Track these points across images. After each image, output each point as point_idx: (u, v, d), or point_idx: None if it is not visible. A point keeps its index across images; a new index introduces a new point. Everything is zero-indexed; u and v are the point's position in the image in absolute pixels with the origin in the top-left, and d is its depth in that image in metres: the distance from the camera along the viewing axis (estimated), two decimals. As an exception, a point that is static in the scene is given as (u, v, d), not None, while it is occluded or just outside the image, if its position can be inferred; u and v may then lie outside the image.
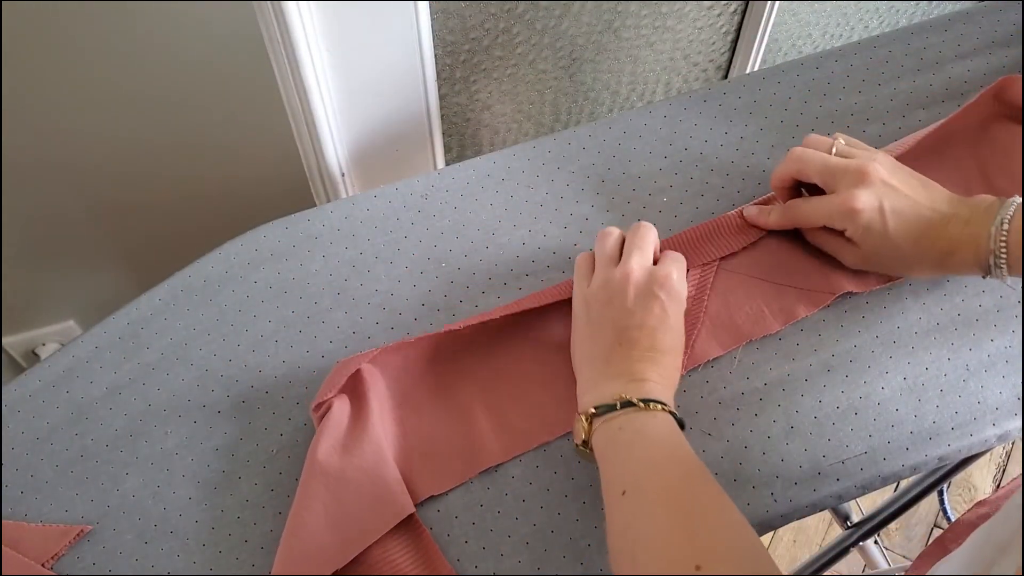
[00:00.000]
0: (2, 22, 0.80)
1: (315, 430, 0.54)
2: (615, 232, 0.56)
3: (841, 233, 0.55)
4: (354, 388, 0.54)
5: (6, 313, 1.14)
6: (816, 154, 0.55)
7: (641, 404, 0.47)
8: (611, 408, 0.47)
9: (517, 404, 0.55)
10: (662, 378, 0.50)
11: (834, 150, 0.56)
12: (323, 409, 0.53)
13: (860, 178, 0.53)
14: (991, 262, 0.50)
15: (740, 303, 0.57)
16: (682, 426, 0.48)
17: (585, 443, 0.49)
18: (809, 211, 0.56)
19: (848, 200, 0.53)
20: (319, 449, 0.51)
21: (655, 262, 0.54)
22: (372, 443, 0.52)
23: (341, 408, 0.53)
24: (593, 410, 0.48)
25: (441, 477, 0.52)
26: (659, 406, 0.47)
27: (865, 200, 0.52)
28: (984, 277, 0.51)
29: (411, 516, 0.51)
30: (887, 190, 0.53)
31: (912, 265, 0.54)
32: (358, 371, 0.54)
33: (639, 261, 0.53)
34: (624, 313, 0.51)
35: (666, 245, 0.59)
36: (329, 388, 0.53)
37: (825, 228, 0.56)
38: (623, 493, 0.44)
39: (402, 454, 0.53)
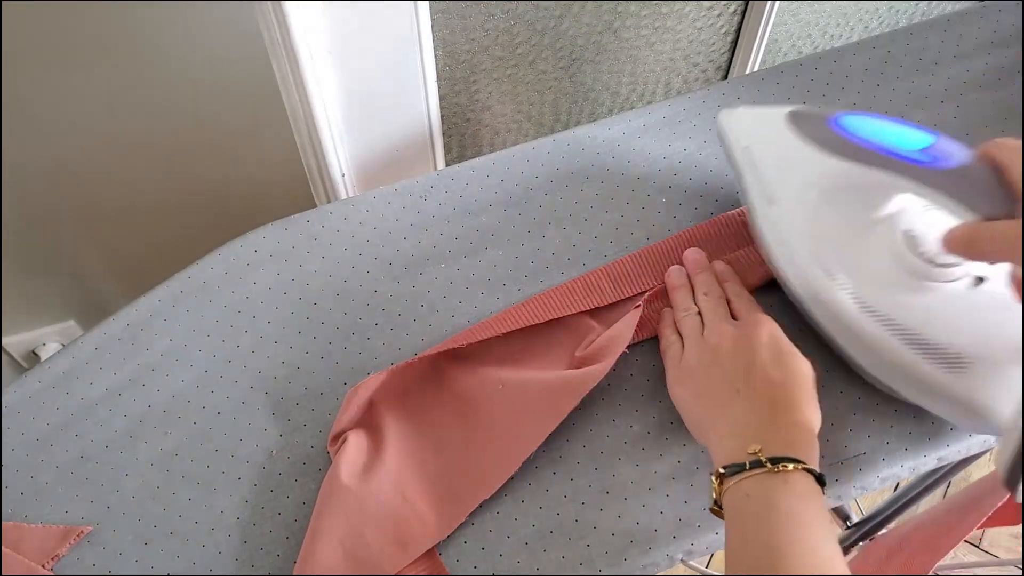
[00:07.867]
0: (2, 22, 0.81)
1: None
2: (688, 297, 0.55)
3: None
4: (371, 419, 0.54)
5: (6, 313, 1.14)
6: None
7: (769, 465, 0.43)
8: (740, 468, 0.43)
9: (538, 384, 0.53)
10: (790, 414, 0.46)
11: None
12: (339, 442, 0.53)
13: None
14: None
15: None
16: (822, 483, 0.43)
17: (718, 504, 0.45)
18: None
19: None
20: (336, 481, 0.51)
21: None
22: (390, 475, 0.51)
23: (358, 440, 0.52)
24: (722, 470, 0.44)
25: (487, 479, 0.51)
26: (791, 465, 0.43)
27: None
28: None
29: (430, 550, 0.50)
30: None
31: None
32: (373, 402, 0.54)
33: (722, 324, 0.52)
34: (729, 365, 0.49)
35: (670, 243, 0.59)
36: (345, 421, 0.52)
37: None
38: None
39: (442, 470, 0.52)
